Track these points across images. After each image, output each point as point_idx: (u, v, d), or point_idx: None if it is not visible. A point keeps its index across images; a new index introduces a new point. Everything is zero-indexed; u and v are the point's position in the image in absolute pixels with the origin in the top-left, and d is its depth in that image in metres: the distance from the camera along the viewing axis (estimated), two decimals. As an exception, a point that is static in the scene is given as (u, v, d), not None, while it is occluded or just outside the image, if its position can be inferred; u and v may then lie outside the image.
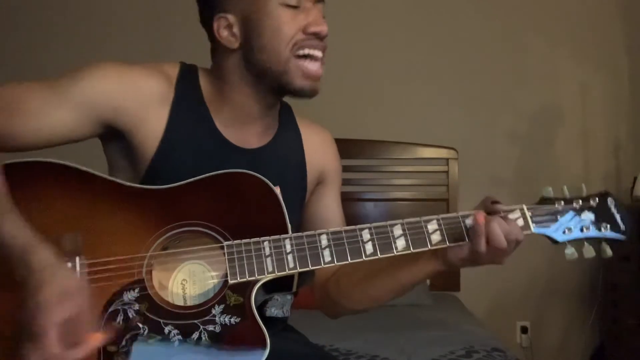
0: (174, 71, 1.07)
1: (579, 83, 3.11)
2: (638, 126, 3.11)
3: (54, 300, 0.79)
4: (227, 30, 1.03)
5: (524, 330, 3.07)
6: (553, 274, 3.04)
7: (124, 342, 0.87)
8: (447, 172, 3.03)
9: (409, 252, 0.96)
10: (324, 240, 0.94)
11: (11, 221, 0.85)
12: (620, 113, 3.13)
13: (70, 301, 0.80)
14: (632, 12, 3.11)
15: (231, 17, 1.03)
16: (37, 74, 1.02)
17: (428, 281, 2.75)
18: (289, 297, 1.12)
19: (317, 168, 1.18)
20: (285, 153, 1.12)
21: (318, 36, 1.02)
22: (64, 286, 0.81)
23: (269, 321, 0.91)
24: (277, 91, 1.06)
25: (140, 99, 1.01)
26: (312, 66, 1.02)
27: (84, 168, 0.95)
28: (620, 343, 2.75)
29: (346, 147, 3.01)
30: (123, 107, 1.00)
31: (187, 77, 1.08)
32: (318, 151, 1.18)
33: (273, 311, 1.09)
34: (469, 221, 0.97)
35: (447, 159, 3.03)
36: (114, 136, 1.04)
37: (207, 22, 1.06)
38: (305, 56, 1.02)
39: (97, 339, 0.82)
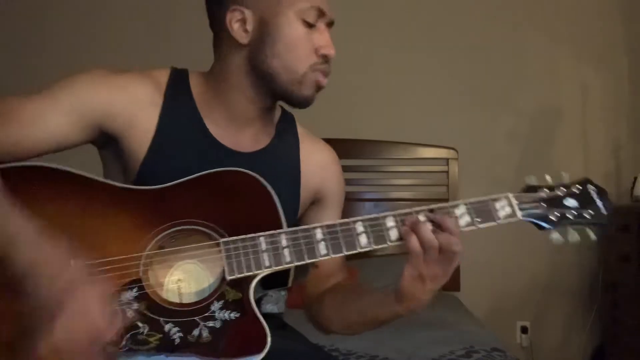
0: (164, 76, 1.08)
1: (579, 83, 3.11)
2: (638, 126, 3.11)
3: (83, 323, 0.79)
4: (240, 24, 1.04)
5: (524, 330, 3.07)
6: (553, 274, 3.04)
7: (124, 342, 0.87)
8: (447, 172, 3.03)
9: (403, 242, 0.95)
10: (318, 234, 0.95)
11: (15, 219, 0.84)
12: (620, 113, 3.12)
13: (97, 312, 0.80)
14: (633, 12, 3.11)
15: (247, 13, 1.03)
16: (34, 78, 1.02)
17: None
18: (282, 293, 1.13)
19: (313, 185, 1.17)
20: (279, 162, 1.12)
21: (326, 59, 1.05)
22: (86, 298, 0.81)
23: (265, 318, 0.92)
24: (278, 95, 1.07)
25: (130, 103, 1.02)
26: (323, 79, 1.06)
27: (76, 171, 0.95)
28: (620, 343, 2.75)
29: (346, 147, 3.03)
30: (113, 111, 1.01)
31: (177, 81, 1.09)
32: (316, 169, 1.17)
33: (268, 307, 1.10)
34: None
35: (447, 159, 3.03)
36: (107, 141, 1.05)
37: (220, 9, 1.05)
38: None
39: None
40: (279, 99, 1.09)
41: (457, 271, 2.95)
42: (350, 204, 2.98)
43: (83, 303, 0.80)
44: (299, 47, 1.02)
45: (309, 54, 1.03)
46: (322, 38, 1.04)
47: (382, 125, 3.09)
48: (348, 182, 2.88)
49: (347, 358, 1.76)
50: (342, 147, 2.84)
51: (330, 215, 1.19)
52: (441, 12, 3.15)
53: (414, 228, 0.93)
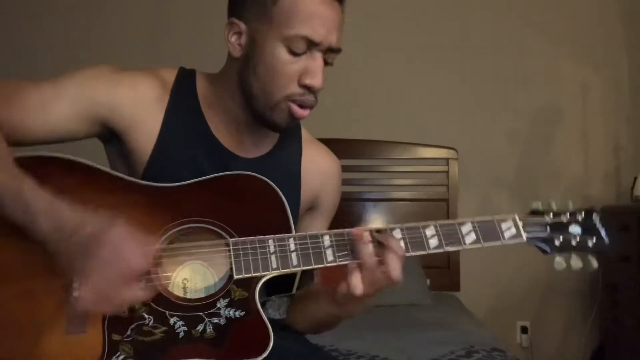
0: (170, 76, 1.08)
1: (579, 83, 3.11)
2: (638, 126, 3.11)
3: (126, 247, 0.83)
4: (236, 36, 1.03)
5: (524, 330, 3.07)
6: (553, 274, 3.03)
7: (128, 332, 0.88)
8: (447, 172, 3.03)
9: (408, 254, 0.96)
10: (326, 241, 0.95)
11: (27, 183, 0.87)
12: (620, 113, 3.13)
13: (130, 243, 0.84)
14: (633, 12, 3.11)
15: (243, 27, 1.02)
16: (33, 77, 1.03)
17: (428, 281, 2.75)
18: (285, 298, 1.13)
19: (312, 192, 1.16)
20: (279, 168, 1.12)
21: (311, 89, 1.00)
22: (106, 227, 0.84)
23: None
24: (257, 116, 1.05)
25: (136, 101, 1.03)
26: (301, 112, 1.01)
27: (92, 163, 0.96)
28: (620, 343, 2.75)
29: (346, 147, 3.03)
30: (119, 107, 1.02)
31: (184, 81, 1.09)
32: (317, 175, 1.17)
33: (270, 313, 1.10)
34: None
35: (447, 159, 3.03)
36: (111, 137, 1.05)
37: (227, 18, 1.06)
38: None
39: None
40: (259, 119, 1.06)
41: (457, 271, 2.98)
42: (350, 204, 2.99)
43: (112, 243, 0.83)
44: (277, 74, 0.98)
45: (288, 83, 0.99)
46: (310, 66, 0.98)
47: (382, 125, 3.09)
48: (348, 182, 2.90)
49: (347, 358, 1.76)
50: (342, 147, 2.85)
51: (319, 223, 1.18)
52: (441, 13, 3.15)
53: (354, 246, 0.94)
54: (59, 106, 0.99)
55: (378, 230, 0.95)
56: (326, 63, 1.01)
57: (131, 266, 0.84)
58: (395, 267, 0.91)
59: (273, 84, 0.99)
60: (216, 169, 1.01)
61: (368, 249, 0.92)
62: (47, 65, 2.88)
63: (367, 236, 0.93)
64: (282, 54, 0.98)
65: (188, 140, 1.06)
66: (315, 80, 0.98)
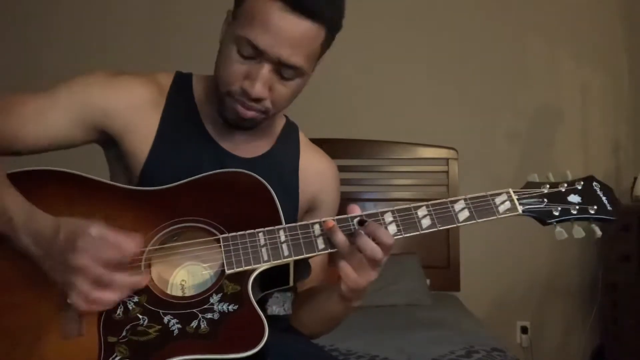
0: (167, 80, 1.10)
1: (579, 83, 3.11)
2: (638, 126, 3.11)
3: (81, 236, 0.84)
4: (226, 26, 1.03)
5: (524, 330, 3.07)
6: (553, 274, 3.04)
7: (124, 333, 0.89)
8: (447, 172, 3.03)
9: (401, 236, 0.96)
10: (317, 230, 0.96)
11: (11, 194, 0.89)
12: (620, 113, 3.13)
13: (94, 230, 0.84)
14: (633, 12, 3.12)
15: (230, 19, 1.02)
16: (36, 79, 1.04)
17: (428, 281, 2.75)
18: (288, 294, 1.13)
19: (310, 194, 1.17)
20: (276, 170, 1.12)
21: (246, 94, 0.98)
22: (80, 224, 0.85)
23: (271, 320, 0.92)
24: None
25: (131, 104, 1.04)
26: (244, 110, 1.00)
27: (82, 173, 0.98)
28: (620, 343, 2.75)
29: (346, 147, 3.04)
30: (113, 111, 1.03)
31: (180, 85, 1.10)
32: (314, 179, 1.17)
33: (274, 309, 1.10)
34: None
35: (447, 159, 3.04)
36: (108, 142, 1.07)
37: None
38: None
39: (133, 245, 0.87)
40: None
41: (457, 271, 2.98)
42: (350, 204, 2.98)
43: (84, 245, 0.84)
44: (224, 69, 0.99)
45: (232, 80, 0.98)
46: (252, 72, 0.97)
47: (382, 125, 3.09)
48: (348, 182, 2.90)
49: (347, 358, 1.76)
50: (342, 147, 2.85)
51: None
52: (441, 13, 3.15)
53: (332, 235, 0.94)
54: (55, 114, 1.01)
55: (362, 221, 0.95)
56: (282, 77, 0.99)
57: (107, 259, 0.85)
58: (365, 242, 0.91)
59: (220, 77, 1.00)
60: (213, 168, 1.02)
61: (338, 237, 0.92)
62: (51, 65, 2.88)
63: (333, 225, 0.93)
64: (232, 51, 0.98)
65: (185, 141, 1.06)
66: (251, 87, 0.97)
